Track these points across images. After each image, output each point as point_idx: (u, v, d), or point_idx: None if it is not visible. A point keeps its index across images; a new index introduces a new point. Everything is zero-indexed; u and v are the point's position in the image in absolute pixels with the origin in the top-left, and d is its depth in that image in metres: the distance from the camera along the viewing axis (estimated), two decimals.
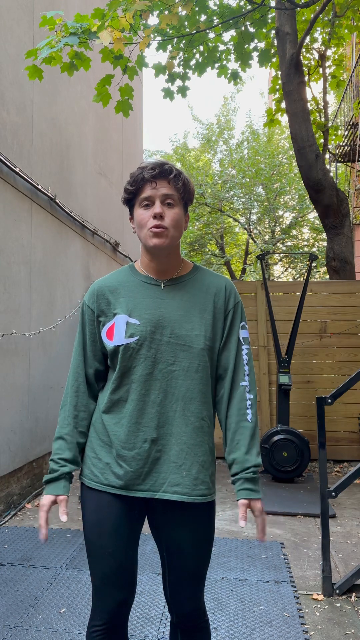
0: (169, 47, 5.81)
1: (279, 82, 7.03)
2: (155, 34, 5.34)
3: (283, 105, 7.01)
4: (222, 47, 6.15)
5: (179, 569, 1.52)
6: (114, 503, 1.50)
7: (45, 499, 1.50)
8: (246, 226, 16.07)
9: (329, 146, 8.40)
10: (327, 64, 7.46)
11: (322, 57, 7.27)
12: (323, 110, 7.45)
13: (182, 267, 1.60)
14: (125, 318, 1.52)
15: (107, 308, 1.56)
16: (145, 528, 3.61)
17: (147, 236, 1.50)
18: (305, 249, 15.70)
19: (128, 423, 1.50)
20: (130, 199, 1.55)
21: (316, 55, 7.42)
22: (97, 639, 1.51)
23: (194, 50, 5.96)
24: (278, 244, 15.52)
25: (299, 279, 15.51)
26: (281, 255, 15.99)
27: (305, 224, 15.61)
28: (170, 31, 5.69)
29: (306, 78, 7.34)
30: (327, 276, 14.60)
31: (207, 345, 1.52)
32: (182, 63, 5.97)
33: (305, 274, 7.32)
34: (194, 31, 5.35)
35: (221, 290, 1.58)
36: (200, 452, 1.50)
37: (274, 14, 6.15)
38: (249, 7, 5.80)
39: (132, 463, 1.48)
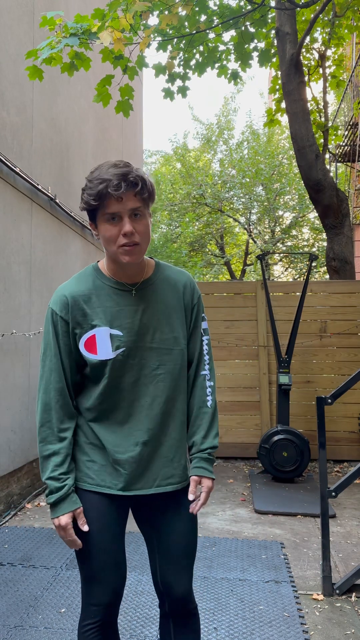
0: (169, 47, 5.81)
1: (279, 82, 7.03)
2: (155, 34, 5.34)
3: (283, 105, 7.01)
4: (222, 47, 6.15)
5: (172, 550, 1.57)
6: (104, 501, 1.53)
7: (64, 520, 1.45)
8: (246, 226, 16.06)
9: (329, 146, 8.39)
10: (327, 64, 7.45)
11: (322, 57, 7.26)
12: (323, 110, 7.45)
13: (147, 268, 1.58)
14: (108, 330, 1.49)
15: (83, 319, 1.51)
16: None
17: (117, 253, 1.45)
18: (305, 249, 15.70)
19: (119, 429, 1.52)
20: (93, 210, 1.46)
21: (316, 55, 7.41)
22: (92, 637, 1.52)
23: (194, 50, 5.96)
24: (278, 244, 15.52)
25: (299, 279, 15.50)
26: (281, 255, 15.99)
27: (305, 224, 15.61)
28: (170, 31, 5.68)
29: (306, 78, 7.34)
30: (327, 276, 14.60)
31: (183, 344, 1.58)
32: (182, 63, 5.97)
33: (305, 274, 7.32)
34: (194, 31, 5.35)
35: (187, 287, 1.61)
36: (183, 444, 1.60)
37: (274, 14, 6.15)
38: (249, 7, 5.80)
39: (125, 466, 1.51)
